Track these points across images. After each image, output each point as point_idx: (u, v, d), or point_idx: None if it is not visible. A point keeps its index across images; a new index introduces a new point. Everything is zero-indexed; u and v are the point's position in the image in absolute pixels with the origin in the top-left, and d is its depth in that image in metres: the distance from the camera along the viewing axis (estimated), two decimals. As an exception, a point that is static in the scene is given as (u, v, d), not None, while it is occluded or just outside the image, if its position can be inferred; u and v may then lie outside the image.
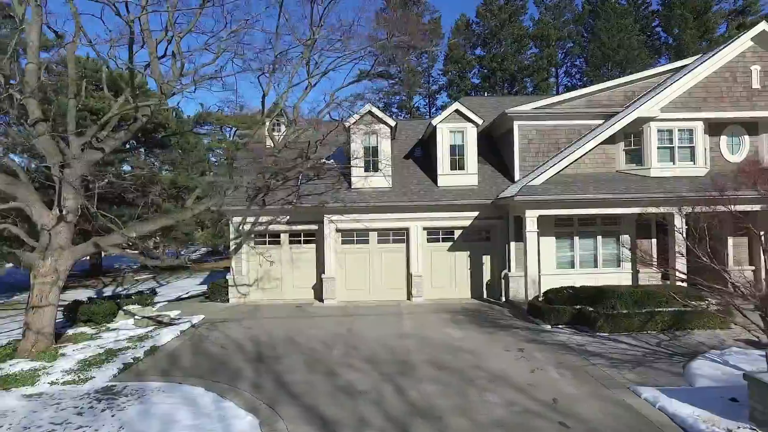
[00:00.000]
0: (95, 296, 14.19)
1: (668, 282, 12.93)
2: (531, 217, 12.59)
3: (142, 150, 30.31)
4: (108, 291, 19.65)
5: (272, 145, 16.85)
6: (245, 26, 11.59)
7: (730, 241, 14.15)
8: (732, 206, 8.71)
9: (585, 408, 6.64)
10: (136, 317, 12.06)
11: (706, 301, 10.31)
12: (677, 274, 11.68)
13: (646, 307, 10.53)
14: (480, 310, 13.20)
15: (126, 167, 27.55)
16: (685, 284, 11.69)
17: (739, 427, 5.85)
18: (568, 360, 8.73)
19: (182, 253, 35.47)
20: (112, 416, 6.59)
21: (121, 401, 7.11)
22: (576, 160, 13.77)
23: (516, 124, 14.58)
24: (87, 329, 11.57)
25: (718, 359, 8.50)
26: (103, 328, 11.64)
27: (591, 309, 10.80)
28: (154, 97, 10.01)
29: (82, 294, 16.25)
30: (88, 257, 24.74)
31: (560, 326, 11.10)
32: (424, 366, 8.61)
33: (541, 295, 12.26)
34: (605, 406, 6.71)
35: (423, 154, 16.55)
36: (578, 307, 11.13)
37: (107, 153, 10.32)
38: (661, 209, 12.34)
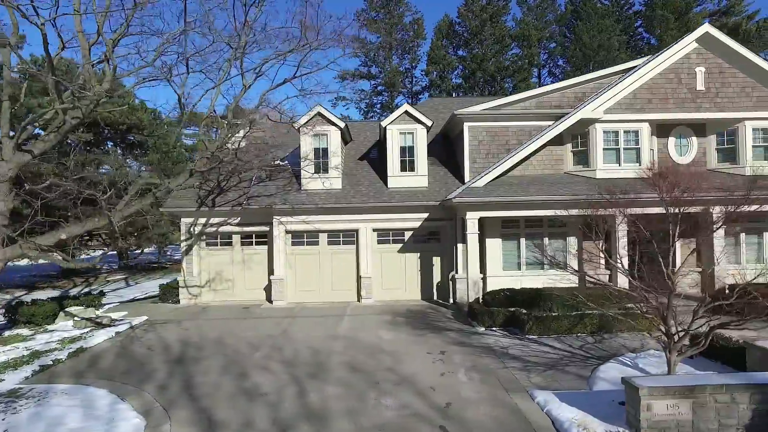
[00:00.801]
0: (58, 296, 14.04)
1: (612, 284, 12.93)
2: (472, 218, 12.60)
3: (118, 151, 30.44)
4: (75, 292, 19.66)
5: (230, 147, 16.88)
6: (187, 28, 11.62)
7: (678, 243, 14.12)
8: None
9: (473, 412, 6.65)
10: (75, 318, 12.09)
11: (640, 304, 10.31)
12: (618, 275, 11.74)
13: (580, 309, 10.53)
14: (425, 311, 13.21)
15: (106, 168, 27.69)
16: (626, 286, 11.72)
17: (610, 431, 5.87)
18: (484, 363, 8.73)
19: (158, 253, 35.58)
20: (2, 420, 6.61)
21: (20, 404, 7.13)
22: (520, 161, 13.81)
23: (466, 125, 14.58)
24: (25, 331, 11.61)
25: (630, 362, 8.52)
26: (41, 330, 11.68)
27: (524, 311, 10.81)
28: (85, 99, 9.99)
29: (49, 294, 16.22)
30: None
31: (494, 328, 11.11)
32: (340, 368, 8.63)
33: (482, 297, 12.27)
34: (494, 410, 6.72)
35: (378, 156, 16.56)
36: (512, 309, 11.14)
37: (37, 155, 10.33)
38: (599, 211, 12.31)
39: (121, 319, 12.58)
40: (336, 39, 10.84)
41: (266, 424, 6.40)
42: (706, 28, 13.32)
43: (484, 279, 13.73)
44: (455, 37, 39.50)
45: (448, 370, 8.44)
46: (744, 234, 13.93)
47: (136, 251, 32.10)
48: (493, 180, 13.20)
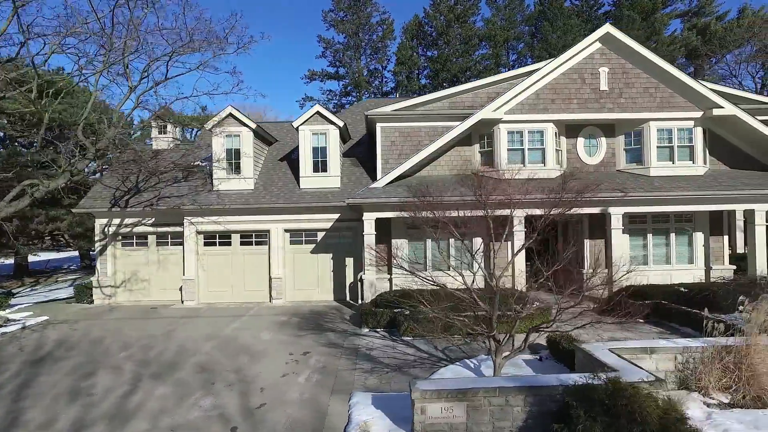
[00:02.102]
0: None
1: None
2: (368, 219, 12.58)
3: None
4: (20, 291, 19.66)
5: (155, 147, 16.87)
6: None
7: (587, 243, 14.13)
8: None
9: (279, 414, 6.65)
10: (-31, 318, 12.11)
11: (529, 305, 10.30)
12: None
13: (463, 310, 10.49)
14: (326, 312, 13.17)
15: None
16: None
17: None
18: (335, 365, 8.71)
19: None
20: None
21: None
22: (429, 161, 13.78)
23: (378, 126, 14.56)
24: None
25: (473, 365, 8.52)
26: (-67, 329, 11.69)
27: (406, 313, 10.77)
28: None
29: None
30: (11, 259, 24.90)
31: (378, 330, 11.10)
32: (190, 368, 8.64)
33: (376, 298, 12.25)
34: (301, 411, 6.73)
35: (297, 157, 16.53)
36: (397, 310, 11.11)
37: None
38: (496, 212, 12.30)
39: (19, 320, 12.60)
40: (210, 41, 10.79)
41: (65, 425, 6.42)
42: (607, 28, 13.26)
43: (390, 280, 13.73)
44: (424, 38, 39.47)
45: (295, 371, 8.44)
46: (651, 235, 13.89)
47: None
48: (393, 181, 13.17)
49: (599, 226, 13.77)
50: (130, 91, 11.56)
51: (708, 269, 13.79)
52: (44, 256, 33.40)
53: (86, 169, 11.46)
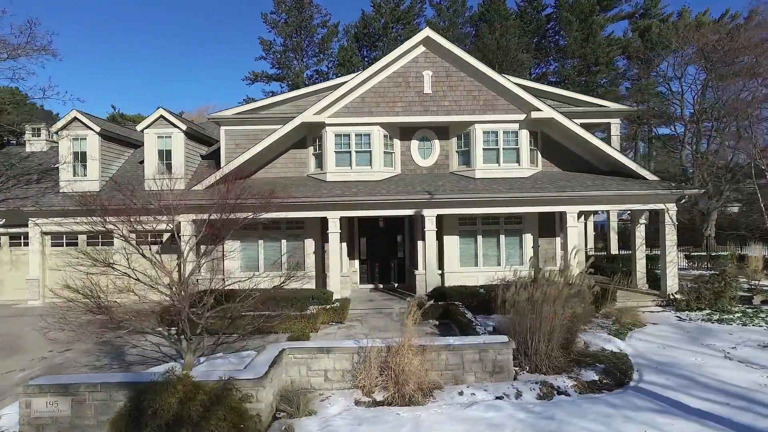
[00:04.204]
0: None
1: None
2: (184, 221, 12.77)
3: None
4: None
5: (29, 150, 17.03)
6: None
7: (419, 244, 14.27)
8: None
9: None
10: None
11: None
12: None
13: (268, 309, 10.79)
14: (154, 312, 13.36)
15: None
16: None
17: None
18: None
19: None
20: None
21: None
22: (248, 162, 13.99)
23: (222, 129, 14.79)
24: None
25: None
26: None
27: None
28: None
29: None
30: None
31: (174, 328, 11.28)
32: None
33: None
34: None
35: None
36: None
37: None
38: (306, 213, 12.55)
39: None
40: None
41: None
42: (427, 32, 13.41)
43: (224, 280, 13.90)
44: (366, 39, 39.64)
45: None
46: (481, 237, 14.04)
47: None
48: (216, 182, 13.34)
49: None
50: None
51: (537, 270, 13.92)
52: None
53: None
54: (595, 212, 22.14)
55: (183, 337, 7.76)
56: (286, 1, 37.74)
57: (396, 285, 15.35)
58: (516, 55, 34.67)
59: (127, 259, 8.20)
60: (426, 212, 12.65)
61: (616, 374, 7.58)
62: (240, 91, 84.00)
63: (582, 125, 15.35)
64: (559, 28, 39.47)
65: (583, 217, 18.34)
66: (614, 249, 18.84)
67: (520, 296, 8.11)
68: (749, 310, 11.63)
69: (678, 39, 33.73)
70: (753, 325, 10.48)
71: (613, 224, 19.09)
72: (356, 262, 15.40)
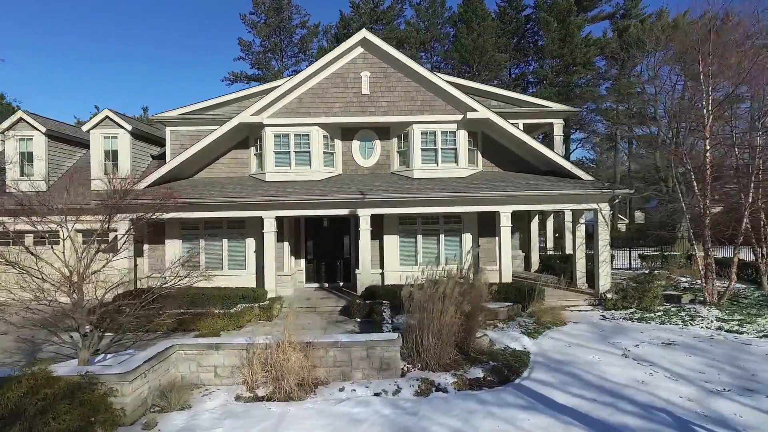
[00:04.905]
0: None
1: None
2: (123, 219, 12.89)
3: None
4: None
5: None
6: None
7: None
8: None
9: None
10: None
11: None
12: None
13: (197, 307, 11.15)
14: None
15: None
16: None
17: None
18: (-11, 359, 9.03)
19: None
20: None
21: None
22: (208, 163, 14.14)
23: (168, 129, 14.91)
24: None
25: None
26: None
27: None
28: None
29: None
30: None
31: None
32: None
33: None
34: None
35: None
36: (121, 308, 11.43)
37: None
38: (243, 213, 12.69)
39: None
40: None
41: None
42: (363, 33, 13.51)
43: (161, 279, 14.03)
44: (346, 39, 39.69)
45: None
46: (421, 236, 14.15)
47: None
48: (153, 183, 13.44)
49: (375, 226, 14.02)
50: None
51: (477, 269, 14.01)
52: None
53: None
54: (561, 212, 22.16)
55: (81, 334, 7.87)
56: (265, 2, 37.88)
57: (342, 284, 15.46)
58: (492, 55, 34.79)
59: (35, 258, 8.31)
60: (360, 212, 12.75)
61: (504, 372, 7.68)
62: (221, 91, 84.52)
63: (526, 126, 15.58)
64: (538, 28, 39.63)
65: (538, 216, 18.43)
66: (570, 249, 18.90)
67: (416, 295, 8.22)
68: (673, 309, 11.73)
69: (652, 40, 33.88)
70: (670, 324, 10.59)
71: (568, 224, 19.15)
72: (302, 261, 15.52)
